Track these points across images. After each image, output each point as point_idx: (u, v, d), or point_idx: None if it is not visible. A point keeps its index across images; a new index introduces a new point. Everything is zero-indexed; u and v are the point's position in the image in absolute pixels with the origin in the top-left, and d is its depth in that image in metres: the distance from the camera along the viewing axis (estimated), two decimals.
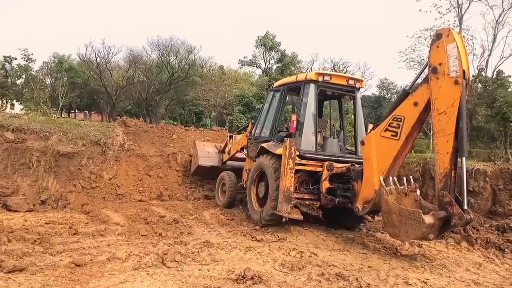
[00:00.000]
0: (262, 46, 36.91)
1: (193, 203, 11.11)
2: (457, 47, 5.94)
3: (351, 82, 8.46)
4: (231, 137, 11.86)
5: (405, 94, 6.83)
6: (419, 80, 7.02)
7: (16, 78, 37.75)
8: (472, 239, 7.74)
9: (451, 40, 6.03)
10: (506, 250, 7.27)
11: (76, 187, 10.88)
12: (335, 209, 8.24)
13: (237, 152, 11.20)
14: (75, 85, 41.00)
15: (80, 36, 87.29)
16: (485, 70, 33.78)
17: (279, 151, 7.92)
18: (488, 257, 7.06)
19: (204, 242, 6.78)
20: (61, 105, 34.56)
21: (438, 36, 6.18)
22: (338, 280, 5.34)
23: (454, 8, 32.52)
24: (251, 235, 7.52)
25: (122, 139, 12.59)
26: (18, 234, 6.58)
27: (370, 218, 8.33)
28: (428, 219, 5.96)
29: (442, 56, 6.05)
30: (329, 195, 7.83)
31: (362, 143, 7.34)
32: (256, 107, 32.60)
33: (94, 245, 6.37)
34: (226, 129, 17.13)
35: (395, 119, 6.75)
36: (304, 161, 7.85)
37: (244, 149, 10.49)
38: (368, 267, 6.02)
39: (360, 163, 7.63)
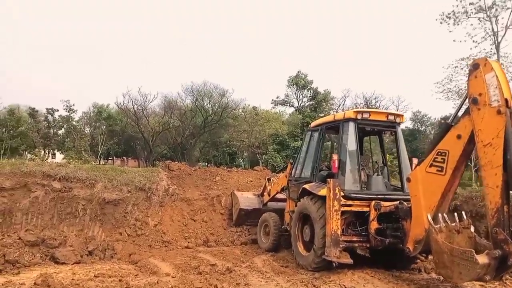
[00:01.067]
0: (294, 86, 37.11)
1: (241, 249, 10.72)
2: (496, 76, 5.77)
3: (391, 117, 8.38)
4: (269, 179, 11.97)
5: (447, 127, 6.65)
6: (460, 113, 6.76)
7: (58, 129, 39.21)
8: None
9: (489, 69, 5.86)
10: None
11: (122, 235, 10.75)
12: (385, 249, 7.87)
13: (277, 193, 11.16)
14: (113, 132, 42.30)
15: (118, 86, 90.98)
16: None
17: (322, 192, 7.79)
18: None
19: None
20: (100, 152, 35.38)
21: (475, 66, 6.03)
22: None
23: (490, 36, 31.95)
24: (314, 285, 7.01)
25: (167, 183, 12.50)
26: None
27: (423, 258, 7.99)
28: (482, 259, 5.61)
29: (482, 86, 5.88)
30: (378, 236, 7.60)
31: (408, 180, 7.13)
32: (291, 145, 32.34)
33: None
34: (266, 168, 16.73)
35: (439, 153, 6.54)
36: (349, 202, 7.68)
37: (284, 190, 10.42)
38: None
39: (408, 200, 7.38)
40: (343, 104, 43.67)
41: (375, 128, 8.64)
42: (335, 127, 8.64)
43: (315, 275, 7.73)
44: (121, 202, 11.15)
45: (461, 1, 32.19)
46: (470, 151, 6.42)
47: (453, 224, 6.29)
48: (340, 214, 7.34)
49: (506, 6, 30.74)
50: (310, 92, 36.52)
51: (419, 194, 6.76)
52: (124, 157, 54.37)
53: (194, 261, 8.95)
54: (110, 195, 11.03)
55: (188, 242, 11.16)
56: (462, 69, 33.33)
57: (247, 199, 12.18)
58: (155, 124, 42.38)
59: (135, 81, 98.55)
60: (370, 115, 8.14)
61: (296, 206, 9.11)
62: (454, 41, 37.29)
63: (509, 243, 5.47)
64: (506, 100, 5.64)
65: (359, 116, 8.03)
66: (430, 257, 7.68)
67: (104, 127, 41.61)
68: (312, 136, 9.36)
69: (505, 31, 31.52)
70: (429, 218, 6.33)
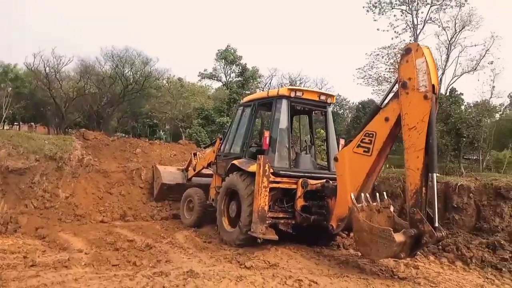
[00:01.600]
0: (223, 60, 36.53)
1: (161, 224, 10.33)
2: (426, 62, 5.92)
3: (323, 97, 8.44)
4: (195, 154, 11.62)
5: (376, 109, 6.78)
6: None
7: None
8: (466, 258, 7.63)
9: (420, 54, 5.98)
10: (504, 269, 7.14)
11: (28, 208, 9.77)
12: (309, 226, 8.03)
13: (203, 168, 10.87)
14: (21, 95, 38.74)
15: (29, 46, 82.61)
16: (439, 88, 35.29)
17: (252, 168, 7.69)
18: (487, 278, 6.93)
19: (187, 272, 6.06)
20: (4, 116, 32.12)
21: (407, 51, 6.13)
22: None
23: (410, 28, 34.01)
24: (238, 261, 6.86)
25: (81, 153, 11.55)
26: None
27: (344, 235, 8.36)
28: (399, 237, 5.87)
29: (412, 71, 6.01)
30: (304, 213, 7.68)
31: (336, 159, 7.23)
32: (217, 120, 32.01)
33: (57, 280, 5.47)
34: (191, 142, 16.24)
35: (367, 134, 6.66)
36: (278, 179, 7.68)
37: (212, 165, 10.18)
38: None
39: (334, 179, 7.55)
40: (270, 83, 44.13)
41: (306, 107, 8.66)
42: (268, 103, 8.51)
43: (238, 251, 7.61)
44: (28, 172, 10.01)
45: None
46: (396, 134, 6.57)
47: (374, 203, 6.50)
48: (268, 190, 7.27)
49: (426, 1, 32.94)
50: (239, 68, 36.24)
51: (345, 174, 6.89)
52: (32, 123, 50.11)
53: (110, 237, 8.38)
54: (15, 163, 9.83)
55: (104, 216, 10.42)
56: (383, 57, 35.36)
57: (170, 174, 11.68)
58: (69, 89, 39.45)
59: (48, 42, 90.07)
60: (303, 93, 8.12)
61: (223, 182, 8.92)
62: (378, 30, 39.02)
63: (424, 222, 5.77)
64: (433, 86, 5.83)
65: (292, 94, 7.96)
66: (351, 234, 7.93)
67: (10, 89, 37.70)
68: (244, 111, 9.16)
69: (424, 25, 33.83)
70: (352, 197, 6.46)
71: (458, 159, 25.03)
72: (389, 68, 35.59)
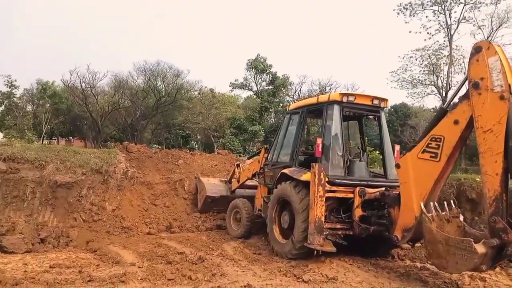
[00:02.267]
0: (253, 69, 36.63)
1: (207, 235, 10.18)
2: (500, 60, 5.52)
3: (376, 101, 8.09)
4: (238, 165, 11.42)
5: (443, 112, 6.39)
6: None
7: None
8: None
9: (492, 53, 5.60)
10: None
11: (77, 221, 9.88)
12: (365, 237, 7.66)
13: (247, 179, 10.71)
14: (59, 111, 39.92)
15: (66, 63, 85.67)
16: None
17: (305, 177, 7.43)
18: None
19: (244, 286, 5.96)
20: (44, 131, 33.18)
21: (477, 49, 5.76)
22: None
23: (444, 28, 33.18)
24: (294, 275, 6.63)
25: (125, 166, 11.63)
26: (24, 286, 5.44)
27: (410, 245, 7.63)
28: (480, 248, 5.41)
29: (484, 70, 5.62)
30: (362, 224, 7.33)
31: (398, 166, 6.83)
32: (249, 129, 31.98)
33: None
34: (229, 153, 16.19)
35: (433, 139, 6.26)
36: (334, 188, 7.37)
37: (256, 176, 10.04)
38: None
39: (392, 187, 7.27)
40: (300, 90, 43.85)
41: (357, 112, 8.36)
42: (318, 109, 8.25)
43: (291, 263, 7.38)
44: (75, 185, 10.18)
45: None
46: (467, 137, 6.19)
47: (443, 213, 6.10)
48: (324, 200, 6.98)
49: (459, 0, 32.06)
50: (269, 76, 36.25)
51: (410, 181, 6.50)
52: (70, 137, 51.61)
53: (160, 249, 8.30)
54: (63, 177, 10.02)
55: (150, 228, 10.37)
56: (416, 59, 34.60)
57: (213, 186, 11.57)
58: (104, 103, 40.43)
59: (84, 58, 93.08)
60: (355, 98, 7.81)
61: (270, 192, 8.74)
62: (410, 32, 38.12)
63: (508, 232, 5.30)
64: (510, 86, 5.42)
65: (344, 99, 7.68)
66: (417, 245, 7.58)
67: (48, 105, 38.99)
68: (292, 119, 8.94)
69: (458, 25, 32.97)
70: (422, 206, 6.07)
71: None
72: (424, 70, 34.85)
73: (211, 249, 8.49)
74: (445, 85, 33.97)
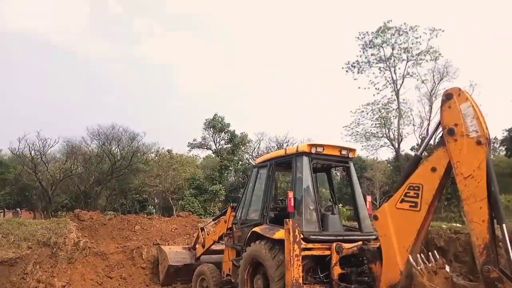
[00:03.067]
0: (211, 128, 36.64)
1: None
2: (472, 106, 5.50)
3: (344, 152, 7.83)
4: (202, 229, 10.72)
5: (417, 159, 6.25)
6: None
7: None
8: None
9: (463, 99, 5.58)
10: None
11: None
12: None
13: (213, 243, 9.99)
14: (5, 181, 37.58)
15: (13, 130, 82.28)
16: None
17: (278, 235, 6.91)
18: None
19: None
20: None
21: (448, 96, 5.72)
22: None
23: (390, 84, 35.08)
24: None
25: (76, 236, 10.66)
26: None
27: None
28: None
29: (457, 116, 5.57)
30: (342, 283, 6.74)
31: (376, 217, 6.42)
32: (209, 189, 31.33)
33: None
34: (191, 214, 15.43)
35: (411, 187, 5.99)
36: (309, 245, 6.82)
37: (223, 238, 9.42)
38: None
39: (368, 241, 7.00)
40: (258, 147, 44.14)
41: (325, 164, 8.09)
42: (286, 162, 7.89)
43: None
44: (19, 261, 9.11)
45: (363, 52, 35.21)
46: (445, 184, 5.98)
47: (430, 264, 5.73)
48: (301, 259, 6.42)
49: (401, 57, 34.34)
50: (228, 134, 36.31)
51: (390, 233, 6.09)
52: (18, 209, 48.39)
53: None
54: (5, 253, 8.96)
55: None
56: (367, 113, 35.99)
57: (176, 254, 10.66)
58: (55, 171, 38.63)
59: (32, 125, 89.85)
60: (323, 149, 7.52)
61: (238, 255, 8.16)
62: (359, 88, 39.96)
63: (504, 281, 5.00)
64: (485, 131, 5.37)
65: (313, 150, 7.37)
66: None
67: None
68: (259, 173, 8.48)
69: (403, 80, 34.96)
70: (411, 259, 5.69)
71: (458, 207, 24.64)
72: (375, 124, 36.21)
73: None
74: (396, 136, 35.31)
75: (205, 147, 38.33)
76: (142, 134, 45.78)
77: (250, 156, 45.89)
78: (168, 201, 37.11)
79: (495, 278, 5.07)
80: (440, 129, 5.87)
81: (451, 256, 9.45)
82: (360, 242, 6.94)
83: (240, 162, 41.87)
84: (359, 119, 36.26)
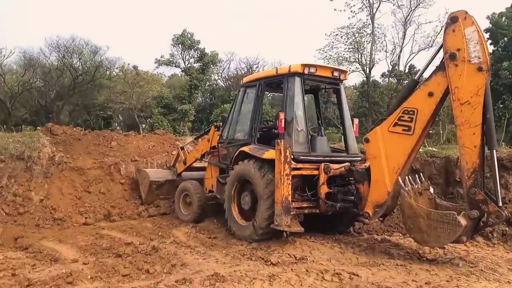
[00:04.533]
0: (180, 45, 34.95)
1: (152, 222, 9.38)
2: (478, 31, 5.43)
3: (336, 74, 7.74)
4: (182, 148, 10.80)
5: (414, 84, 6.27)
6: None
7: None
8: (487, 233, 7.34)
9: (469, 23, 5.48)
10: None
11: (0, 215, 8.43)
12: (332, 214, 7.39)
13: (195, 160, 10.04)
14: None
15: None
16: (398, 65, 36.03)
17: (268, 154, 6.97)
18: None
19: (212, 276, 5.37)
20: None
21: (453, 20, 5.61)
22: None
23: (366, 7, 34.24)
24: (261, 257, 6.24)
25: (51, 150, 10.32)
26: None
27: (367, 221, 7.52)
28: (463, 220, 5.44)
29: (460, 41, 5.51)
30: (329, 201, 7.03)
31: (367, 140, 6.58)
32: (178, 108, 30.82)
33: None
34: (168, 132, 15.26)
35: (406, 112, 6.08)
36: (299, 165, 6.97)
37: (206, 156, 9.52)
38: (426, 283, 5.09)
39: (355, 162, 7.22)
40: (228, 68, 43.21)
41: (315, 85, 8.02)
42: (277, 82, 7.73)
43: (252, 245, 6.96)
44: None
45: None
46: (439, 109, 6.14)
47: (416, 186, 6.05)
48: (290, 178, 6.57)
49: None
50: (197, 53, 34.83)
51: (381, 155, 6.29)
52: None
53: (103, 241, 7.41)
54: None
55: (86, 218, 9.31)
56: (341, 37, 35.46)
57: (157, 172, 10.75)
58: (13, 83, 36.50)
59: None
60: (316, 69, 7.37)
61: (225, 172, 8.27)
62: (335, 9, 38.97)
63: (488, 203, 5.34)
64: (487, 57, 5.38)
65: (306, 70, 7.21)
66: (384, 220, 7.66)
67: None
68: (247, 93, 8.34)
69: (379, 3, 34.17)
70: (400, 181, 5.93)
71: (435, 131, 25.69)
72: (348, 48, 35.90)
73: (162, 237, 7.73)
74: (368, 62, 35.33)
75: (174, 65, 36.92)
76: (105, 48, 43.50)
77: (220, 77, 45.01)
78: (135, 119, 36.40)
79: (480, 200, 5.40)
80: (441, 53, 5.86)
81: (426, 178, 9.96)
82: (346, 164, 7.14)
83: (208, 83, 41.02)
84: (333, 42, 35.77)
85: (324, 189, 7.01)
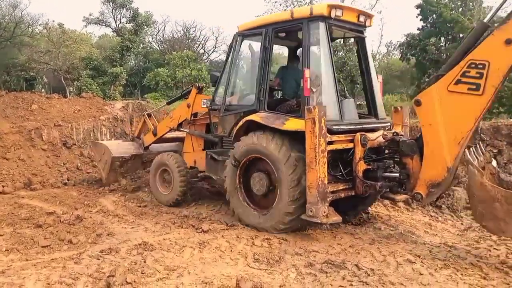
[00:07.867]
0: (111, 3, 32.67)
1: (78, 190, 8.88)
2: None
3: (362, 18, 6.11)
4: (150, 115, 8.98)
5: (483, 28, 4.78)
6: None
7: None
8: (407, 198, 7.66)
9: None
10: (443, 206, 7.30)
11: None
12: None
13: (170, 130, 8.21)
14: None
15: None
16: None
17: (292, 125, 5.44)
18: (431, 216, 6.97)
19: (139, 244, 5.11)
20: None
21: None
22: (334, 269, 4.35)
23: None
24: (192, 225, 6.06)
25: None
26: None
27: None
28: None
29: None
30: (368, 180, 5.53)
31: (418, 103, 5.04)
32: (109, 71, 29.24)
33: None
34: (96, 95, 14.32)
35: (473, 65, 4.63)
36: (334, 137, 5.40)
37: (186, 125, 7.89)
38: (350, 246, 5.28)
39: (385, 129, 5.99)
40: (163, 30, 41.40)
41: (337, 33, 6.39)
42: (292, 29, 6.07)
43: (183, 213, 6.75)
44: None
45: None
46: None
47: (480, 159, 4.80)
48: (326, 156, 5.08)
49: None
50: (130, 12, 32.76)
51: (438, 122, 4.87)
52: None
53: (22, 210, 6.90)
54: None
55: (4, 186, 8.72)
56: (280, 4, 35.07)
57: (118, 145, 8.92)
58: None
59: None
60: (343, 12, 5.72)
61: (207, 146, 7.16)
62: None
63: None
64: None
65: (332, 13, 5.56)
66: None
67: None
68: (248, 44, 6.64)
69: None
70: (468, 155, 4.64)
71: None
72: None
73: (88, 206, 7.33)
74: None
75: (104, 24, 34.48)
76: (27, 2, 39.67)
77: (154, 40, 43.10)
78: (61, 82, 33.99)
79: None
80: None
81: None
82: (386, 132, 5.82)
83: (142, 45, 39.15)
84: (271, 10, 35.22)
85: (361, 166, 5.50)
